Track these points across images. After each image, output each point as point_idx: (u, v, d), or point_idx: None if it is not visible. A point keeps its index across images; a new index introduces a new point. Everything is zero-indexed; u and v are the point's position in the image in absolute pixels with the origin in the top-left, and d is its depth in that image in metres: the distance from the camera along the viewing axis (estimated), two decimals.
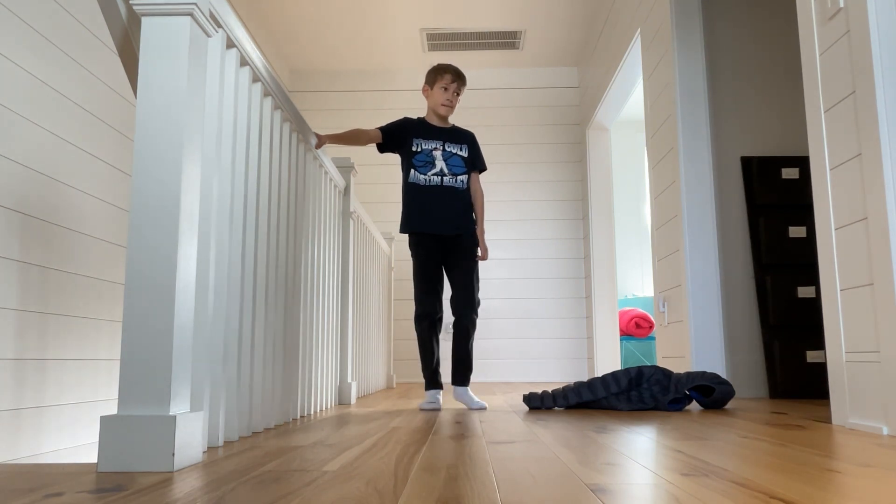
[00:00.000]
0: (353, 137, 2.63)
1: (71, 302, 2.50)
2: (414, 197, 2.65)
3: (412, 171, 2.65)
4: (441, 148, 2.68)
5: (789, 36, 3.32)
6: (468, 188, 2.71)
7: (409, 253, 2.71)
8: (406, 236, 2.72)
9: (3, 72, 2.15)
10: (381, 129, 2.71)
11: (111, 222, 2.77)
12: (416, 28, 5.25)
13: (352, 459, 1.23)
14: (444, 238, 2.65)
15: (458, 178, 2.68)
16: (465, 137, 2.76)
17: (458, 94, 2.72)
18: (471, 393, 2.60)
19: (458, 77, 2.72)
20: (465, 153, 2.72)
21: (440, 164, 2.66)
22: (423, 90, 2.77)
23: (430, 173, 2.65)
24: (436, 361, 2.66)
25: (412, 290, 2.67)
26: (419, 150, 2.67)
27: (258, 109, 1.78)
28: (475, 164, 2.75)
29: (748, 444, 1.43)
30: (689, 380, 2.40)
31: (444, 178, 2.65)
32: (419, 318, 2.65)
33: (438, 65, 2.76)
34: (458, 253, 2.66)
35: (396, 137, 2.70)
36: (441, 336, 2.71)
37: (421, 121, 2.77)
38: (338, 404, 2.86)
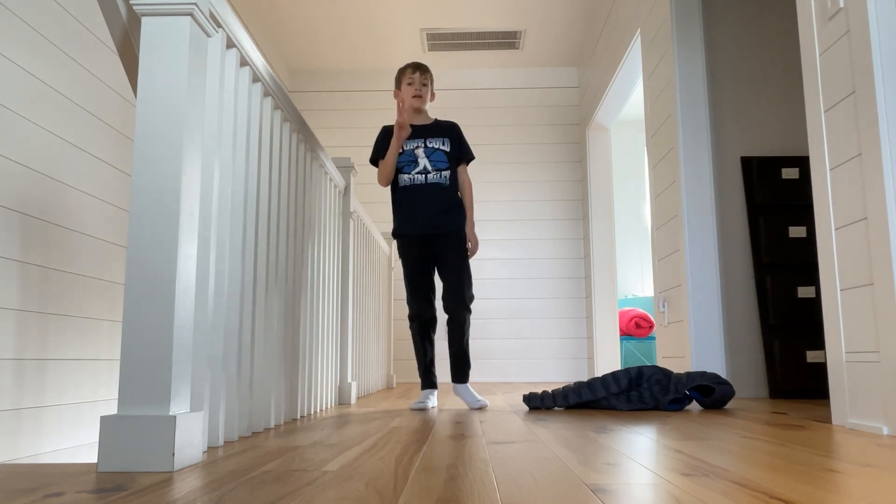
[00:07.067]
0: (389, 170, 2.63)
1: (71, 302, 2.50)
2: (400, 199, 2.65)
3: (399, 174, 2.64)
4: (423, 145, 2.65)
5: (789, 36, 3.32)
6: (453, 183, 2.67)
7: None
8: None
9: (2, 72, 2.15)
10: (373, 156, 2.71)
11: (111, 222, 2.77)
12: (416, 28, 5.25)
13: (352, 459, 1.23)
14: (429, 238, 2.62)
15: (442, 173, 2.63)
16: (446, 130, 2.71)
17: (426, 85, 2.69)
18: (471, 390, 2.59)
19: (417, 68, 2.70)
20: (447, 147, 2.67)
21: (423, 161, 2.63)
22: (395, 95, 2.74)
23: (413, 172, 2.62)
24: (428, 361, 2.65)
25: None
26: (402, 150, 2.64)
27: (258, 109, 1.78)
28: (460, 155, 2.70)
29: (748, 444, 1.43)
30: (689, 380, 2.40)
31: (429, 175, 2.62)
32: (410, 319, 2.67)
33: (399, 68, 2.76)
34: (446, 251, 2.62)
35: (383, 150, 2.67)
36: (435, 335, 2.72)
37: None
38: (338, 404, 2.86)
